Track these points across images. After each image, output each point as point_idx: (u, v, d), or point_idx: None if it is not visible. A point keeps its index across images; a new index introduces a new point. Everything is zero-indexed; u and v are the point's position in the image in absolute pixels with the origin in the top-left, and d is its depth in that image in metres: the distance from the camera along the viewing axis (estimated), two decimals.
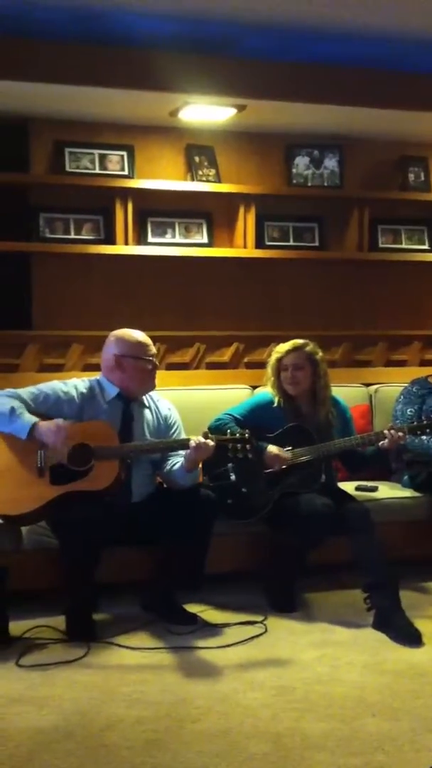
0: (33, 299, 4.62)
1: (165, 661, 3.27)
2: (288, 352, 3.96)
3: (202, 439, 3.51)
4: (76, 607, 3.51)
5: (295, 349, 3.96)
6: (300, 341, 4.00)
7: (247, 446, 3.58)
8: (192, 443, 3.51)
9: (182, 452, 3.60)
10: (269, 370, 4.01)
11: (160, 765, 2.53)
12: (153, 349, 3.73)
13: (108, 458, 3.48)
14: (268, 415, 3.95)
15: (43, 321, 4.61)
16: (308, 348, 3.96)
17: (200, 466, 3.64)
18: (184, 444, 3.57)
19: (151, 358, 3.69)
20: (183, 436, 3.78)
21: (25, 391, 3.58)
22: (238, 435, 3.61)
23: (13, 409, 3.46)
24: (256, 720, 2.80)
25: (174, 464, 3.64)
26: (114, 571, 3.63)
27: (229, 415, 3.95)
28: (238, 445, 3.58)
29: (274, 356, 3.99)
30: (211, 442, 3.52)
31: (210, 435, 3.56)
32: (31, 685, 3.06)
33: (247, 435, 3.60)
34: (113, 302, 4.70)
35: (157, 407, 3.78)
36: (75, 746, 2.64)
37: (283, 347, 4.00)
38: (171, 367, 4.70)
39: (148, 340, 3.73)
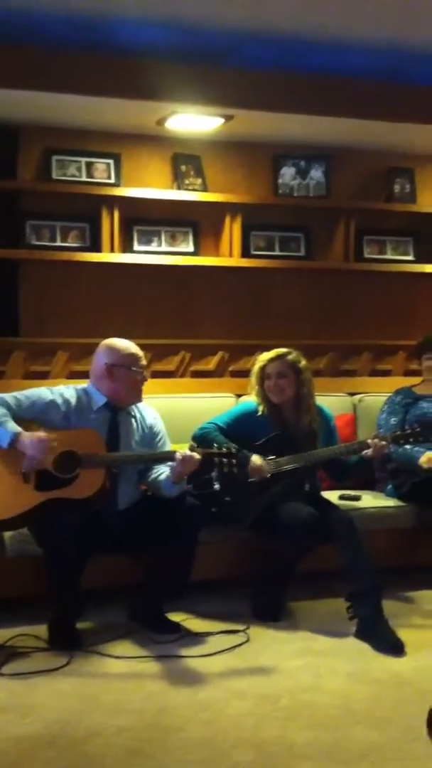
0: (19, 306, 4.61)
1: (148, 670, 3.26)
2: (271, 360, 3.96)
3: (188, 453, 3.51)
4: (59, 616, 3.49)
5: (278, 357, 3.96)
6: (283, 350, 4.00)
7: (234, 461, 3.59)
8: (178, 456, 3.50)
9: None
10: (253, 378, 4.01)
11: None
12: (144, 361, 3.73)
13: (94, 466, 3.47)
14: (252, 424, 3.95)
15: (30, 328, 4.61)
16: (291, 356, 3.97)
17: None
18: (170, 456, 3.57)
19: (141, 370, 3.69)
20: (168, 445, 3.78)
21: (11, 396, 3.57)
22: (224, 449, 3.60)
23: None
24: (239, 729, 2.80)
25: (160, 474, 3.63)
26: (98, 579, 3.62)
27: (214, 424, 3.95)
28: (225, 460, 3.58)
29: (258, 365, 4.00)
30: (197, 456, 3.51)
31: (196, 448, 3.56)
32: (13, 693, 3.04)
33: (234, 450, 3.60)
34: (99, 310, 4.70)
35: (142, 416, 3.77)
36: (58, 755, 2.63)
37: (266, 356, 4.00)
38: (156, 375, 4.69)
39: (140, 352, 3.72)
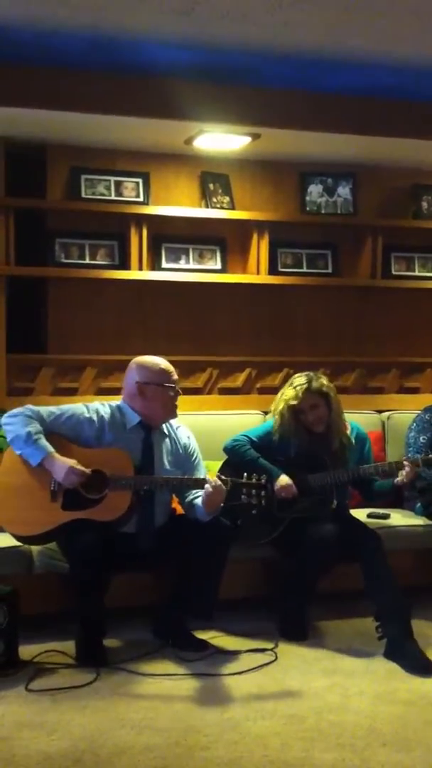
0: (48, 323, 4.65)
1: (175, 688, 3.25)
2: (299, 396, 3.86)
3: (218, 482, 3.49)
4: (85, 632, 3.50)
5: (306, 390, 3.87)
6: (302, 380, 3.91)
7: (262, 492, 3.57)
8: (208, 488, 3.49)
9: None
10: (284, 414, 3.90)
11: None
12: (175, 376, 3.71)
13: (122, 489, 3.48)
14: (282, 440, 3.94)
15: (58, 345, 4.64)
16: (314, 384, 3.88)
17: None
18: (198, 483, 3.57)
19: (173, 386, 3.68)
20: (202, 464, 3.78)
21: (46, 410, 3.58)
22: (254, 480, 3.58)
23: (29, 434, 3.46)
24: (265, 749, 2.78)
25: (197, 496, 3.62)
26: (125, 596, 3.63)
27: (246, 437, 3.96)
28: (253, 491, 3.57)
29: (288, 405, 3.88)
30: (224, 486, 3.50)
31: (222, 478, 3.54)
32: (40, 709, 3.05)
33: (263, 481, 3.59)
34: (127, 327, 4.73)
35: (176, 435, 3.76)
36: None
37: (293, 393, 3.88)
38: (183, 392, 4.65)
39: (171, 367, 3.71)
